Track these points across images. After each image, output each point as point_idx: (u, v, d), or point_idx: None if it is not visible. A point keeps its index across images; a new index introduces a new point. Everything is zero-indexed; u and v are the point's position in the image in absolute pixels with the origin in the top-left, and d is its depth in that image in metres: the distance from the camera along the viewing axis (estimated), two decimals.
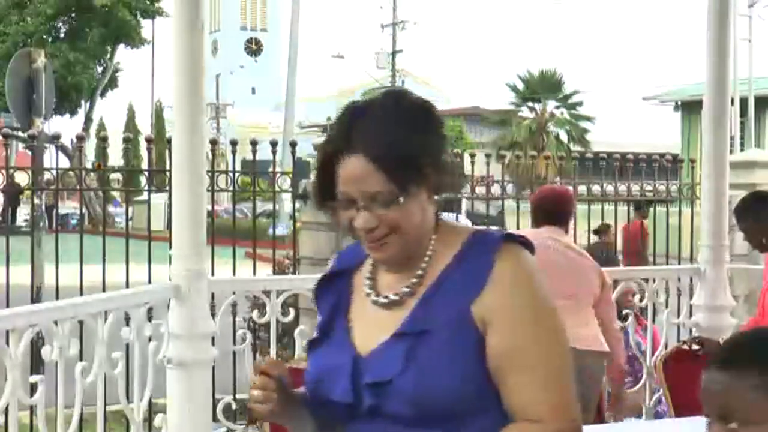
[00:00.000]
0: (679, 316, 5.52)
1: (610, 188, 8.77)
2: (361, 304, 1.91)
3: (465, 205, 12.29)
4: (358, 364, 1.81)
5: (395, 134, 1.77)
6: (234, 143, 6.77)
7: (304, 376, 1.92)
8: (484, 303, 1.77)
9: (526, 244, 1.86)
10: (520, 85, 39.03)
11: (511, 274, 1.80)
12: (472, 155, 8.52)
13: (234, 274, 6.47)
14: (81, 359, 3.61)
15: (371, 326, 1.85)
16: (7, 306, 3.90)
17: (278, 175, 7.37)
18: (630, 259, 10.81)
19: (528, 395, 1.75)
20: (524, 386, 1.75)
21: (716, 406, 1.57)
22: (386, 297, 1.86)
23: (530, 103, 39.16)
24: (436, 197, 1.85)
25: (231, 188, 6.91)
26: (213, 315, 4.49)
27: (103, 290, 5.42)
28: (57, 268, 6.29)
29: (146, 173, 6.85)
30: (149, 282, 5.96)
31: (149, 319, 4.08)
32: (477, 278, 1.79)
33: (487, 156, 7.96)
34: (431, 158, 1.80)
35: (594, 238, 9.88)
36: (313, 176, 1.93)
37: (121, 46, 36.62)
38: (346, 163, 1.78)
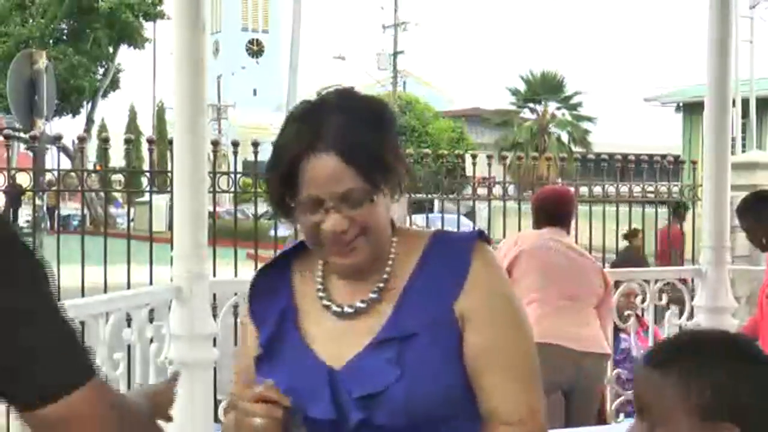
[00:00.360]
0: (680, 317, 5.52)
1: (611, 189, 8.78)
2: (313, 315, 1.80)
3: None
4: (334, 377, 1.71)
5: (364, 131, 1.69)
6: (235, 144, 6.78)
7: None
8: (465, 301, 1.73)
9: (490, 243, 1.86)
10: (522, 87, 39.05)
11: (490, 273, 1.77)
12: (474, 156, 8.55)
13: (236, 275, 6.47)
14: None
15: (336, 337, 1.75)
16: None
17: None
18: (666, 265, 10.67)
19: (510, 396, 1.72)
20: (504, 387, 1.72)
21: (638, 402, 1.59)
22: (350, 306, 1.76)
23: (531, 104, 39.19)
24: (395, 197, 1.77)
25: (232, 189, 6.92)
26: (214, 316, 4.48)
27: (105, 291, 5.42)
28: (58, 269, 6.29)
29: (148, 174, 6.86)
30: (150, 283, 5.96)
31: (150, 320, 4.08)
32: (454, 278, 1.75)
33: (489, 157, 7.98)
34: (394, 155, 1.73)
35: (616, 243, 9.81)
36: (267, 184, 1.77)
37: (123, 48, 36.67)
38: (314, 162, 1.67)
